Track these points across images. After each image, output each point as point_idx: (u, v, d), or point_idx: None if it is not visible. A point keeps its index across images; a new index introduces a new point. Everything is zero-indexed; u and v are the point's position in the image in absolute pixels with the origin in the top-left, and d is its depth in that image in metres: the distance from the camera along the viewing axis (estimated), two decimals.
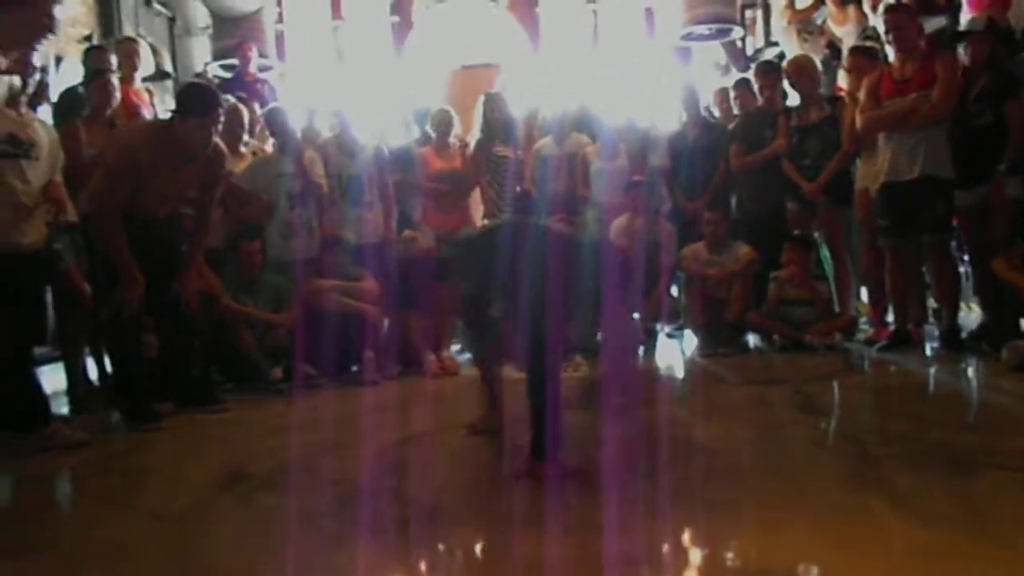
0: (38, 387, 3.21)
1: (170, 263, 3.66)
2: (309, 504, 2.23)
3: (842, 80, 5.48)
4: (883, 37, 4.44)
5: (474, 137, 5.44)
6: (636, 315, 4.99)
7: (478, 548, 1.95)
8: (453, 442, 2.91)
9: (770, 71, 5.38)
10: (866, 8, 6.16)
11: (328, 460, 2.76)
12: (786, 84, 5.22)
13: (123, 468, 2.91)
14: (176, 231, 3.78)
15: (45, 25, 3.00)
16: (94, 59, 4.71)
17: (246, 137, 5.07)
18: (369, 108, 6.28)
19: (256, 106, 5.42)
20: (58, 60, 5.83)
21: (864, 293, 5.07)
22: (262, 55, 6.88)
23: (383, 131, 5.67)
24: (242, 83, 6.06)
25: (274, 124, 4.96)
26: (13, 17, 2.93)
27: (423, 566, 1.86)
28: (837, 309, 4.85)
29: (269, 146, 5.29)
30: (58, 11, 3.02)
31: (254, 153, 5.06)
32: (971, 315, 5.00)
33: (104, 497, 2.52)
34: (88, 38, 6.53)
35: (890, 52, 4.40)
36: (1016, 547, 1.69)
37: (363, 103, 6.41)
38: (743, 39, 8.36)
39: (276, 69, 7.46)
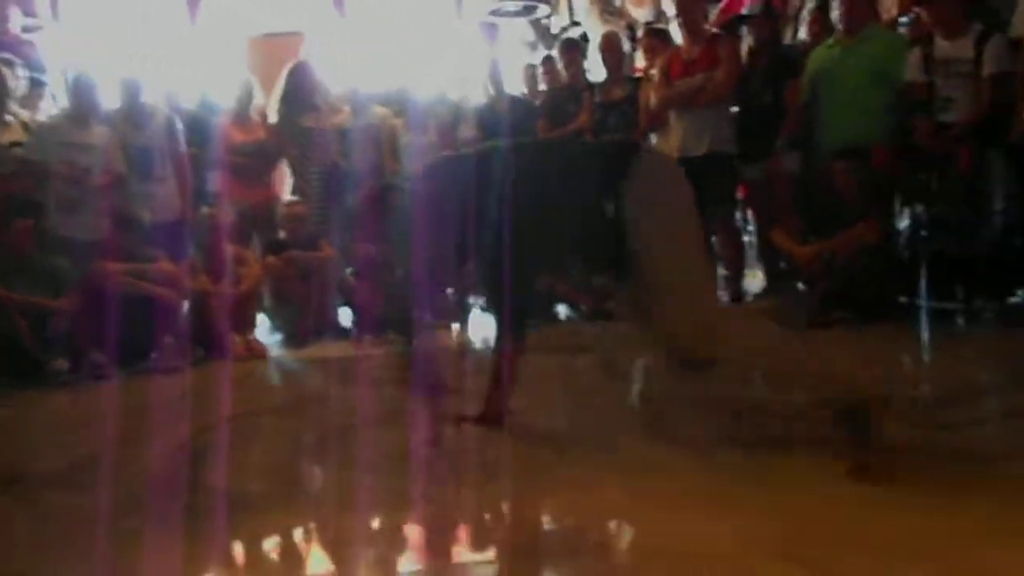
0: None
1: None
2: (99, 501, 2.05)
3: (638, 61, 5.76)
4: (674, 19, 4.71)
5: (274, 108, 5.18)
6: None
7: (279, 534, 1.88)
8: (257, 427, 2.79)
9: (574, 48, 5.55)
10: None
11: (121, 454, 2.55)
12: (597, 59, 5.39)
13: None
14: None
15: None
16: None
17: (13, 105, 4.56)
18: (159, 75, 5.81)
19: (18, 70, 4.85)
20: None
21: None
22: (28, 14, 6.18)
23: (173, 99, 5.26)
24: (2, 43, 5.41)
25: (80, 92, 4.49)
26: None
27: (219, 556, 1.77)
28: None
29: (42, 114, 4.80)
30: None
31: (23, 124, 4.56)
32: (755, 280, 5.43)
33: None
34: None
35: (681, 34, 4.68)
36: (791, 492, 1.86)
37: (152, 70, 5.92)
38: (549, 17, 8.57)
39: (47, 29, 6.73)
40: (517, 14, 7.95)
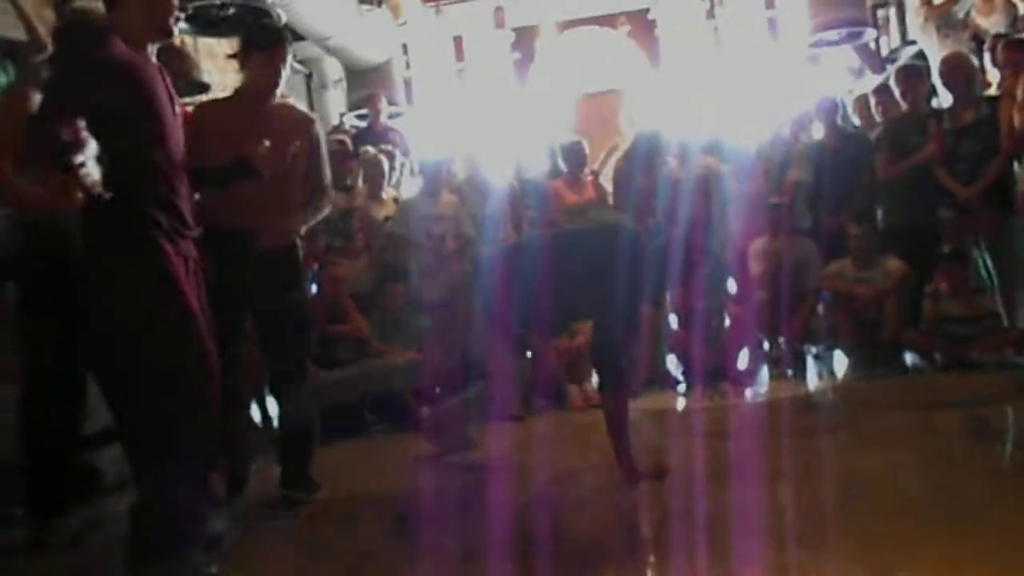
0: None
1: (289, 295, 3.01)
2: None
3: (991, 76, 5.14)
4: None
5: (608, 168, 5.40)
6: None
7: None
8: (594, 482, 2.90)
9: (911, 74, 5.12)
10: None
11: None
12: (938, 84, 4.94)
13: None
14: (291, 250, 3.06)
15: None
16: None
17: (386, 185, 5.32)
18: (499, 144, 6.40)
19: (397, 159, 5.66)
20: None
21: None
22: (391, 103, 7.18)
23: (518, 166, 5.75)
24: (374, 132, 6.35)
25: (430, 172, 5.14)
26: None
27: None
28: (1005, 323, 4.51)
29: (405, 191, 5.53)
30: None
31: (395, 200, 5.28)
32: None
33: None
34: None
35: None
36: None
37: (492, 140, 6.55)
38: (876, 40, 8.01)
39: (406, 115, 7.76)
40: (841, 42, 7.53)
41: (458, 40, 8.73)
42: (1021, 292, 4.69)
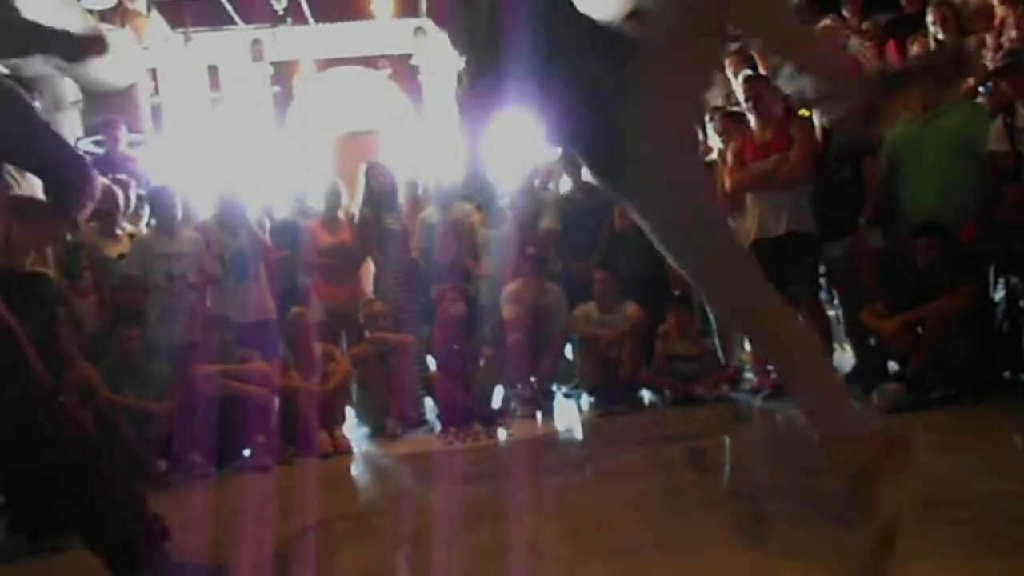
0: None
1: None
2: None
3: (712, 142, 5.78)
4: (744, 104, 4.73)
5: (358, 208, 5.38)
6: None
7: None
8: (345, 531, 2.82)
9: None
10: (728, 73, 6.56)
11: (216, 556, 2.62)
12: None
13: None
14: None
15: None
16: None
17: (122, 220, 4.90)
18: (251, 181, 6.16)
19: (132, 189, 5.21)
20: None
21: (747, 344, 5.28)
22: (133, 130, 6.66)
23: (266, 205, 5.56)
24: (111, 161, 5.84)
25: (160, 203, 4.79)
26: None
27: None
28: (723, 361, 5.03)
29: (143, 227, 5.13)
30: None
31: (130, 236, 4.87)
32: (844, 355, 5.27)
33: None
34: None
35: (751, 118, 4.69)
36: None
37: (245, 176, 6.28)
38: None
39: (150, 143, 7.23)
40: None
41: (213, 69, 8.34)
42: (734, 333, 5.28)
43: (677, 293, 5.00)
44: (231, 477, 4.03)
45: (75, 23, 6.59)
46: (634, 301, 5.10)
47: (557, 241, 5.54)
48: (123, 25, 7.44)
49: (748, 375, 5.15)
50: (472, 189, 5.52)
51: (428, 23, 8.52)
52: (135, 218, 5.21)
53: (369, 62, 8.81)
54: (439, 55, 8.40)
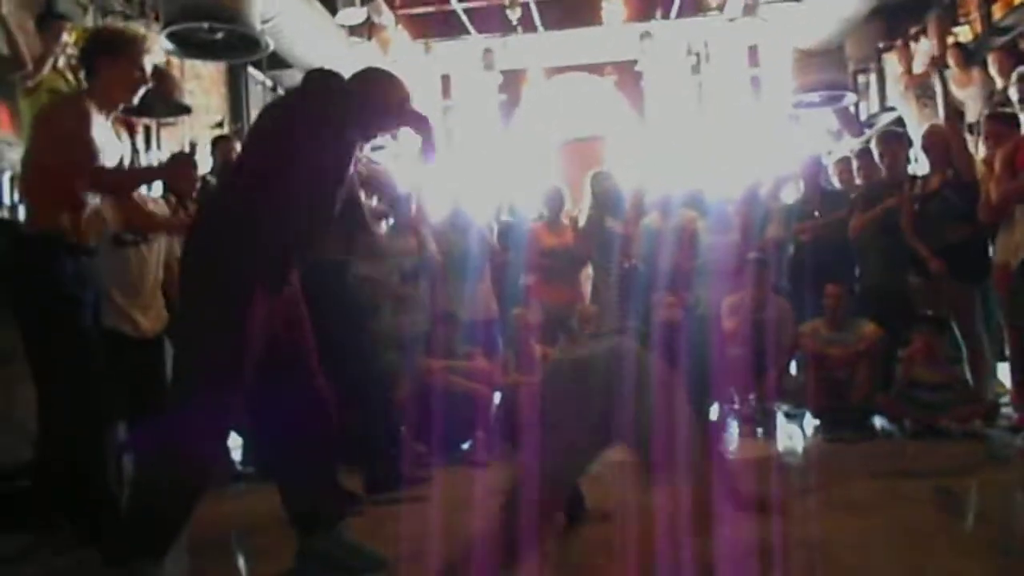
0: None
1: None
2: None
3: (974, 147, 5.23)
4: (1017, 105, 4.22)
5: (583, 212, 5.45)
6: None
7: None
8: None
9: (891, 139, 5.20)
10: (992, 71, 5.92)
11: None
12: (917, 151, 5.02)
13: None
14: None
15: (138, 79, 2.83)
16: (222, 149, 5.02)
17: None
18: (481, 185, 6.41)
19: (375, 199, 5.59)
20: (192, 145, 6.26)
21: (1004, 375, 4.71)
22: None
23: (496, 208, 5.76)
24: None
25: (397, 204, 5.10)
26: (107, 73, 2.80)
27: None
28: (974, 393, 4.51)
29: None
30: (148, 64, 2.87)
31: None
32: None
33: None
34: (220, 124, 6.99)
35: None
36: None
37: (475, 180, 6.55)
38: (856, 105, 8.17)
39: (389, 149, 7.72)
40: (822, 104, 7.67)
41: (446, 78, 8.78)
42: (989, 363, 4.72)
43: (928, 312, 4.55)
44: (451, 469, 4.18)
45: (330, 39, 7.20)
46: (869, 319, 4.72)
47: (786, 253, 5.26)
48: (370, 38, 8.04)
49: (1006, 410, 4.59)
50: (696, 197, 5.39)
51: (655, 26, 8.46)
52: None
53: (595, 69, 8.89)
54: (664, 60, 8.31)
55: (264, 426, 2.55)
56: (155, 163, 5.64)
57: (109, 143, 2.75)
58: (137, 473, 2.44)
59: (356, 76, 2.62)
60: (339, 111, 2.36)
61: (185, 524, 2.25)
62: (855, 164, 5.56)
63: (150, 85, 2.86)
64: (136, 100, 2.84)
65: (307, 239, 2.40)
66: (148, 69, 2.84)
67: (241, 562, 2.86)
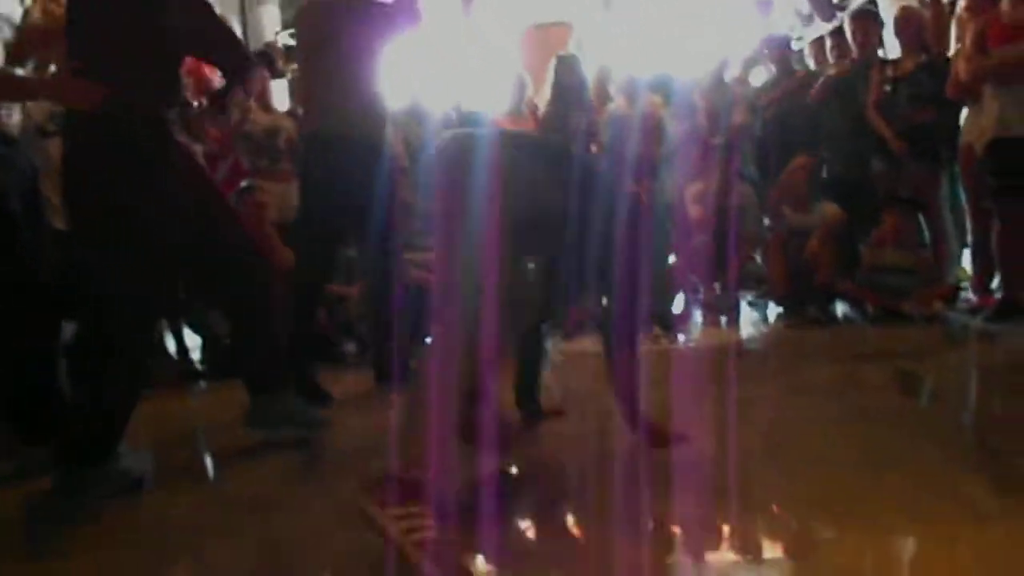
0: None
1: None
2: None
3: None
4: None
5: (545, 101, 5.24)
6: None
7: None
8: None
9: (865, 18, 5.03)
10: None
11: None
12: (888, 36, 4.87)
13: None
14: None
15: None
16: None
17: None
18: (442, 73, 6.13)
19: None
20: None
21: (966, 259, 4.72)
22: None
23: (457, 97, 5.53)
24: None
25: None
26: None
27: None
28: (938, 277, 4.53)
29: None
30: None
31: None
32: None
33: None
34: None
35: None
36: None
37: (435, 68, 6.26)
38: None
39: None
40: None
41: None
42: (953, 247, 4.72)
43: (904, 196, 4.49)
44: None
45: None
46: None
47: (752, 136, 5.15)
48: None
49: (966, 294, 4.62)
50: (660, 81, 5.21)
51: None
52: None
53: None
54: None
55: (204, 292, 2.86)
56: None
57: None
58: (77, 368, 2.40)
59: None
60: None
61: (128, 417, 2.23)
62: (828, 44, 5.39)
63: None
64: None
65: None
66: None
67: (205, 458, 2.80)
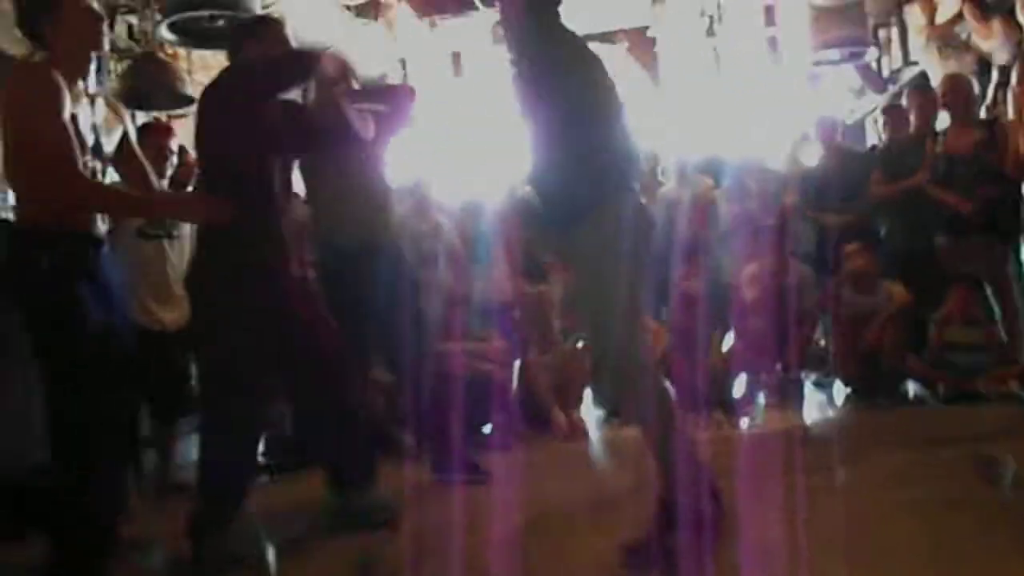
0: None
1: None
2: None
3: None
4: None
5: None
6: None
7: None
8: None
9: (924, 93, 5.04)
10: (1020, 18, 5.67)
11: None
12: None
13: None
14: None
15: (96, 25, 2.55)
16: None
17: None
18: (498, 162, 6.29)
19: None
20: None
21: None
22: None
23: (512, 188, 5.63)
24: None
25: (414, 188, 5.02)
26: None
27: None
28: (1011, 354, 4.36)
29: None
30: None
31: None
32: None
33: None
34: None
35: None
36: None
37: (491, 158, 6.44)
38: (878, 60, 7.91)
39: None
40: (843, 61, 7.43)
41: (456, 55, 8.62)
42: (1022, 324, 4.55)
43: (964, 271, 4.38)
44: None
45: (331, 18, 7.09)
46: (898, 281, 4.57)
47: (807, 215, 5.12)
48: (377, 18, 7.90)
49: None
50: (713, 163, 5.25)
51: None
52: None
53: (606, 37, 8.67)
54: (677, 24, 8.09)
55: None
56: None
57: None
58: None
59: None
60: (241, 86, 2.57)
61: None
62: (881, 120, 5.37)
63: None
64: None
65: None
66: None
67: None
